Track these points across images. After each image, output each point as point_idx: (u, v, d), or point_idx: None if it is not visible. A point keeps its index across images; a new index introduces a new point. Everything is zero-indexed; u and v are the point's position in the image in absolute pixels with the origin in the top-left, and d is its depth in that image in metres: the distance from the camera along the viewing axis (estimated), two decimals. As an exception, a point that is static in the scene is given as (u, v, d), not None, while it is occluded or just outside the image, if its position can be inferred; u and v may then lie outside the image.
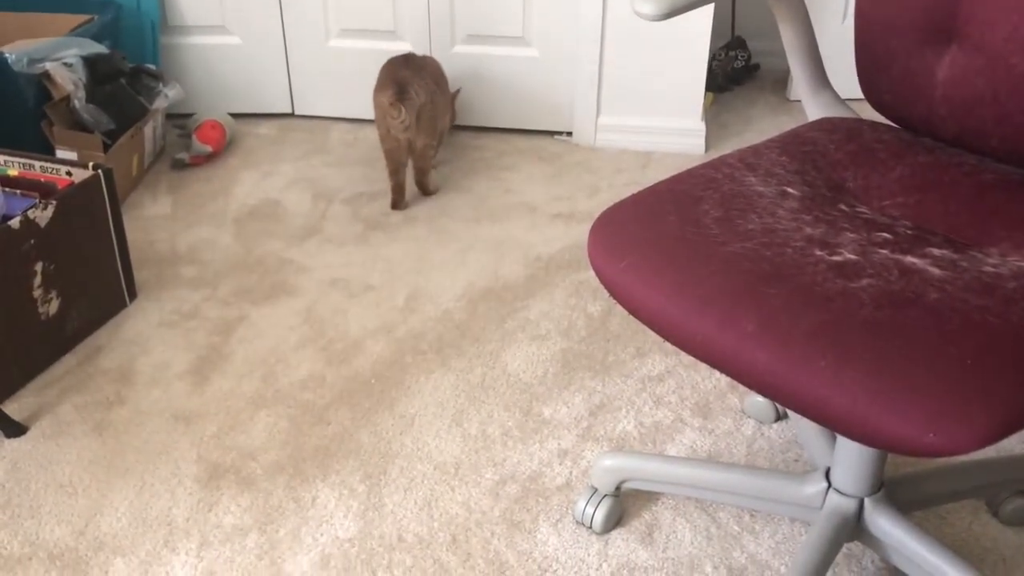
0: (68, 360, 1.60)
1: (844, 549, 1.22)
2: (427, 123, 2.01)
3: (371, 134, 2.39)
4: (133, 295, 1.75)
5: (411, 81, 1.97)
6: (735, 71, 2.63)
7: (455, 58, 2.30)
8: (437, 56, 2.24)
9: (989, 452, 1.34)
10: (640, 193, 1.04)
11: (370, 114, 2.43)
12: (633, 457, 1.27)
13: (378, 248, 1.92)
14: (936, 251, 0.92)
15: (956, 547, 1.23)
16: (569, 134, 2.37)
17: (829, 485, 1.13)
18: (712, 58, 2.57)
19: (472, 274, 1.82)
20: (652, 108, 2.28)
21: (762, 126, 2.42)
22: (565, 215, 2.03)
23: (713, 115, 2.48)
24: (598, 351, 1.61)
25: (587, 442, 1.41)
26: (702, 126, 2.29)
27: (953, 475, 1.21)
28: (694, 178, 1.05)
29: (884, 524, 1.10)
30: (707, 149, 2.31)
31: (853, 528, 1.12)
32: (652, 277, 0.92)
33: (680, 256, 0.93)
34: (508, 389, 1.52)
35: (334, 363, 1.58)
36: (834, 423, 0.80)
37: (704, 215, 0.98)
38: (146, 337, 1.65)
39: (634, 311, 0.94)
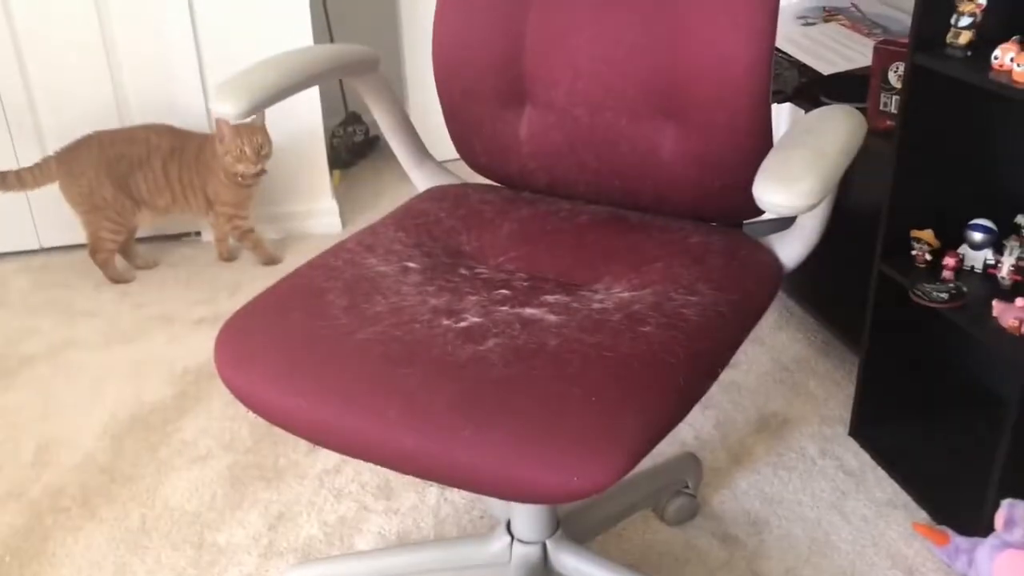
0: None
1: (541, 594, 1.25)
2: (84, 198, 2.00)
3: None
4: None
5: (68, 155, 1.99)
6: (356, 145, 2.68)
7: None
8: None
9: (644, 462, 1.45)
10: (262, 295, 0.99)
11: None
12: (320, 565, 1.21)
13: (-8, 401, 1.67)
14: (551, 298, 0.97)
15: (637, 559, 1.30)
16: (199, 233, 2.26)
17: (512, 537, 1.15)
18: (331, 136, 2.59)
19: (112, 406, 1.65)
20: (281, 195, 2.24)
21: (394, 194, 2.48)
22: (209, 319, 1.91)
23: (344, 191, 2.49)
24: (267, 457, 1.52)
25: (271, 559, 1.32)
26: (334, 204, 2.30)
27: (617, 495, 1.29)
28: (315, 270, 1.02)
29: (568, 560, 1.14)
30: (344, 225, 2.31)
31: (542, 573, 1.14)
32: (285, 381, 0.88)
33: (311, 354, 0.89)
34: (173, 525, 1.38)
35: (-47, 551, 1.34)
36: (488, 489, 0.80)
37: (330, 306, 0.95)
38: None
39: (275, 421, 0.89)
